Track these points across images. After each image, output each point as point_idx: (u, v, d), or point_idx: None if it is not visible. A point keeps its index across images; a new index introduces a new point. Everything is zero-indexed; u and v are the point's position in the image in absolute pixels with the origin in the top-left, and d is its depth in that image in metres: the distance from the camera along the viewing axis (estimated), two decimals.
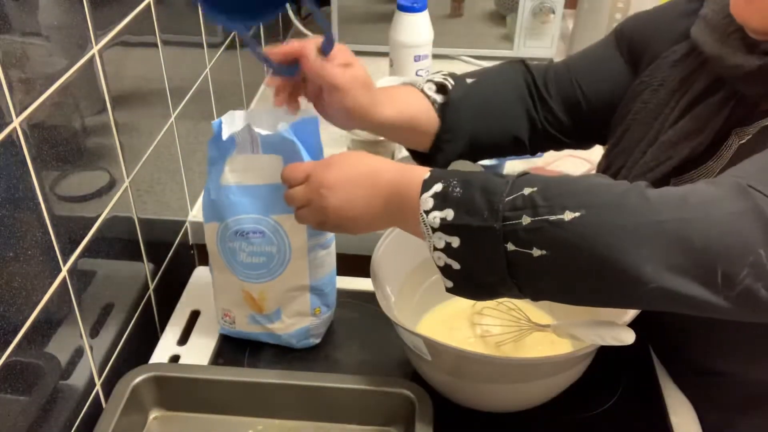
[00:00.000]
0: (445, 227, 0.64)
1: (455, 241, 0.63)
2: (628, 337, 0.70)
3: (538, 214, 0.59)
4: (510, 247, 0.60)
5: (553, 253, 0.59)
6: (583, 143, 0.99)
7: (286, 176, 0.77)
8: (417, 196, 0.67)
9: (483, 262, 0.63)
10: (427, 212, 0.65)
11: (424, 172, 0.69)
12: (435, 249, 0.65)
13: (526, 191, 0.61)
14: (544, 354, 0.81)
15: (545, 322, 0.87)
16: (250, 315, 0.92)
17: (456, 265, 0.64)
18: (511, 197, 0.61)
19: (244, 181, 0.84)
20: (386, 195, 0.71)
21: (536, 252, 0.59)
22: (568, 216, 0.58)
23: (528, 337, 0.86)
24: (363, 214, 0.74)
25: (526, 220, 0.60)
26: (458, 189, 0.64)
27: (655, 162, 0.79)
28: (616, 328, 0.71)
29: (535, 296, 0.66)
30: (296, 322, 0.91)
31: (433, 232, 0.64)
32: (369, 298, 0.85)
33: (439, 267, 0.66)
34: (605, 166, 0.88)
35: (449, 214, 0.64)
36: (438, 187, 0.66)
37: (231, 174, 0.84)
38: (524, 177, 0.64)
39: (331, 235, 0.90)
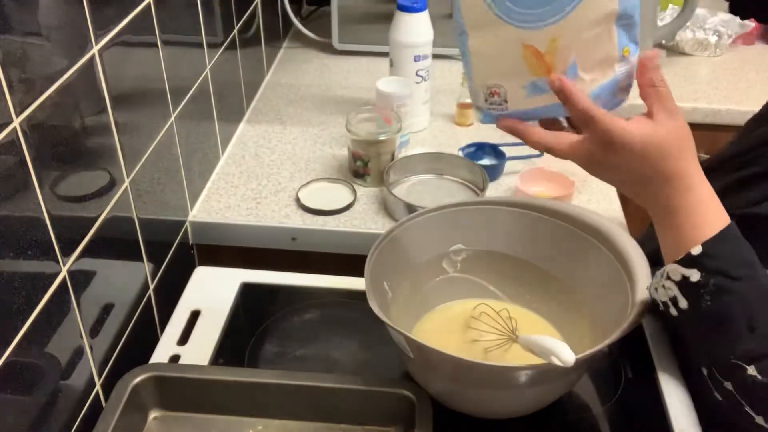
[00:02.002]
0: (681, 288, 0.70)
1: (682, 302, 0.70)
2: (568, 359, 0.68)
3: None
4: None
5: None
6: None
7: (568, 99, 0.68)
8: (683, 245, 0.70)
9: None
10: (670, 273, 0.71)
11: (711, 229, 0.70)
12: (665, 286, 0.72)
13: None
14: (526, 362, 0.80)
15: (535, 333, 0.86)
16: (531, 83, 0.69)
17: (683, 304, 0.70)
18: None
19: None
20: (663, 204, 0.72)
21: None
22: None
23: (515, 346, 0.85)
24: (632, 193, 0.74)
25: (751, 371, 0.66)
26: (708, 301, 0.69)
27: None
28: (560, 348, 0.69)
29: None
30: (598, 76, 0.68)
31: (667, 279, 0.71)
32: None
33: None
34: None
35: (683, 302, 0.71)
36: (694, 276, 0.69)
37: None
38: None
39: None
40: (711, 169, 0.90)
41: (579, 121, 0.70)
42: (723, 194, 0.84)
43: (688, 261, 0.70)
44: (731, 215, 0.78)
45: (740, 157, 0.87)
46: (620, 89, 0.70)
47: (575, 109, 0.68)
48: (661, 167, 0.70)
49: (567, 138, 0.72)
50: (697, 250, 0.70)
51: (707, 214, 0.71)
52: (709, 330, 0.72)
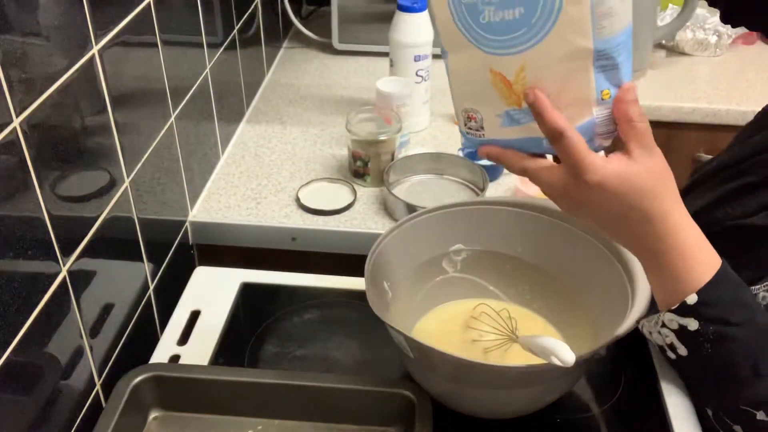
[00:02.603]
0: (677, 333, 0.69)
1: (681, 350, 0.70)
2: (568, 359, 0.67)
3: None
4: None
5: None
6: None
7: (539, 114, 0.63)
8: (673, 291, 0.68)
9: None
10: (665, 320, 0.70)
11: (704, 273, 0.67)
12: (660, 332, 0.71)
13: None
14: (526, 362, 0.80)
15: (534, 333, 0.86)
16: (505, 112, 0.66)
17: (683, 351, 0.70)
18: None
19: None
20: (649, 247, 0.68)
21: None
22: None
23: (515, 346, 0.85)
24: (613, 234, 0.70)
25: (761, 416, 0.65)
26: (709, 348, 0.67)
27: None
28: (560, 348, 0.68)
29: None
30: (573, 115, 0.64)
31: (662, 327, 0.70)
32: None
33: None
34: None
35: (682, 350, 0.71)
36: (692, 325, 0.67)
37: None
38: None
39: None
40: (703, 180, 0.90)
41: (550, 140, 0.64)
42: (716, 204, 0.83)
43: (684, 310, 0.68)
44: (725, 226, 0.77)
45: (733, 167, 0.86)
46: (599, 134, 0.65)
47: (546, 124, 0.63)
48: (639, 207, 0.65)
49: (543, 162, 0.67)
50: (692, 299, 0.67)
51: (697, 258, 0.67)
52: (713, 376, 0.71)
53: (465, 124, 0.70)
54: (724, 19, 0.86)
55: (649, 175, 0.64)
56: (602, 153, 0.66)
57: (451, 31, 0.64)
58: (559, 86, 0.62)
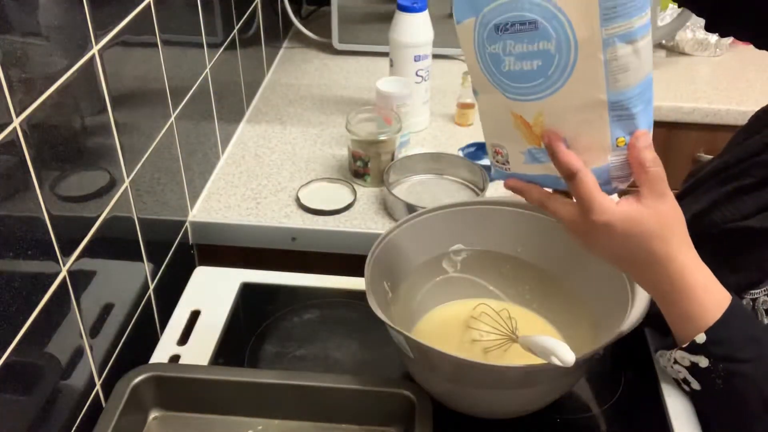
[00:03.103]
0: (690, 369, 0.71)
1: (695, 384, 0.71)
2: (568, 359, 0.68)
3: None
4: None
5: None
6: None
7: (563, 171, 0.66)
8: (687, 329, 0.70)
9: None
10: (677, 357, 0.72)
11: (713, 312, 0.68)
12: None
13: None
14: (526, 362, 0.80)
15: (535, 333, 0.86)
16: (527, 150, 0.70)
17: (696, 386, 0.71)
18: None
19: None
20: (662, 289, 0.70)
21: None
22: None
23: (515, 346, 0.85)
24: (626, 272, 0.74)
25: None
26: (720, 384, 0.68)
27: None
28: (560, 348, 0.69)
29: None
30: (590, 159, 0.67)
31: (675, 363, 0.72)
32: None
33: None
34: None
35: (695, 384, 0.72)
36: (703, 362, 0.69)
37: None
38: None
39: (641, 20, 0.61)
40: (698, 184, 0.90)
41: (565, 179, 0.67)
42: (713, 208, 0.83)
43: (693, 349, 0.70)
44: (722, 229, 0.77)
45: (728, 169, 0.86)
46: (614, 177, 0.68)
47: (560, 165, 0.66)
48: (645, 249, 0.67)
49: (560, 198, 0.70)
50: (701, 338, 0.69)
51: (704, 299, 0.68)
52: (726, 411, 0.72)
53: (493, 158, 0.75)
54: (709, 29, 0.87)
55: (656, 219, 0.66)
56: (615, 196, 0.69)
57: (477, 74, 0.69)
58: (575, 132, 0.66)
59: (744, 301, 0.77)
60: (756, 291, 0.76)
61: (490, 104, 0.70)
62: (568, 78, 0.63)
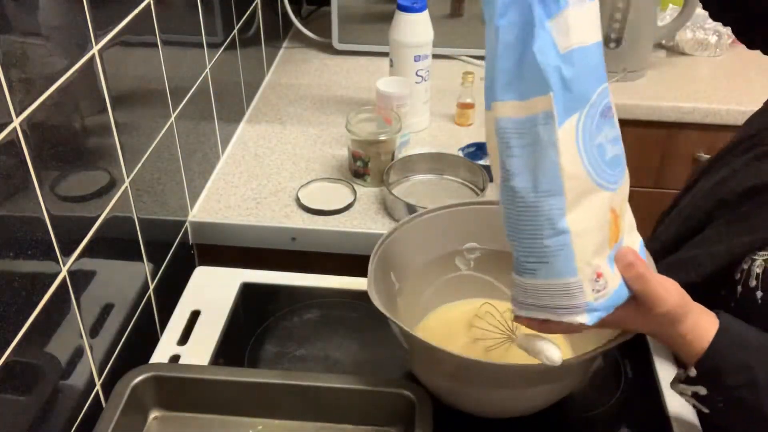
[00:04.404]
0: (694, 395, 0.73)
1: (704, 409, 0.73)
2: (555, 359, 0.69)
3: None
4: None
5: None
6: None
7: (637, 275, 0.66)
8: (687, 353, 0.71)
9: None
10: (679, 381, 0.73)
11: (701, 345, 0.70)
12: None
13: None
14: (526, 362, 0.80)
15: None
16: (609, 256, 0.64)
17: (705, 410, 0.73)
18: None
19: (580, 41, 0.59)
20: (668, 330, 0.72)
21: None
22: None
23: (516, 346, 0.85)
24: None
25: None
26: (724, 408, 0.71)
27: None
28: (548, 348, 0.70)
29: None
30: (629, 241, 0.68)
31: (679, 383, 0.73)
32: (369, 297, 0.85)
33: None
34: None
35: (702, 408, 0.73)
36: (702, 391, 0.71)
37: (561, 35, 0.58)
38: None
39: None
40: (720, 156, 0.91)
41: (631, 279, 0.66)
42: (732, 176, 0.85)
43: (689, 381, 0.72)
44: (739, 192, 0.80)
45: (746, 141, 0.88)
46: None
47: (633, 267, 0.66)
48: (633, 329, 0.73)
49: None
50: (693, 372, 0.71)
51: (690, 339, 0.70)
52: (741, 423, 0.73)
53: (593, 289, 0.62)
54: (737, 37, 0.93)
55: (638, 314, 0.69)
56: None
57: (578, 177, 0.61)
58: (627, 213, 0.67)
59: (746, 265, 0.77)
60: (766, 252, 0.76)
61: (592, 210, 0.61)
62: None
